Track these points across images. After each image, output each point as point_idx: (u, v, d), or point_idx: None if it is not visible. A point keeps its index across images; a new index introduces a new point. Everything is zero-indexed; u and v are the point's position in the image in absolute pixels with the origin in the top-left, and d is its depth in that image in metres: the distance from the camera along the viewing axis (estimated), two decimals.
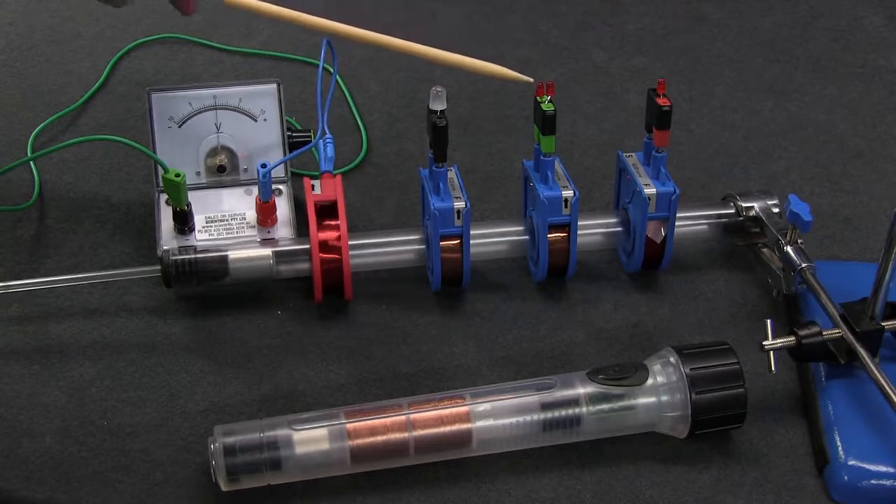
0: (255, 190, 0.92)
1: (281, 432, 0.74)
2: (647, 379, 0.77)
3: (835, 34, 1.21)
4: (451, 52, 0.86)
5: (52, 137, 1.06)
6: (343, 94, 1.11)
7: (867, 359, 0.77)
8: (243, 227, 0.91)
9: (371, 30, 0.86)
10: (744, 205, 0.92)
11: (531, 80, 0.85)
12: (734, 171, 1.03)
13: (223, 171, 0.93)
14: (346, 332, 0.87)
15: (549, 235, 0.88)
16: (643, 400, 0.77)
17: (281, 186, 0.93)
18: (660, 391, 0.77)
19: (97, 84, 1.12)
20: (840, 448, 0.76)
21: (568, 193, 0.87)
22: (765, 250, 0.90)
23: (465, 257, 0.88)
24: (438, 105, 0.83)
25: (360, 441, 0.75)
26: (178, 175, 0.87)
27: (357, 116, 1.08)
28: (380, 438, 0.75)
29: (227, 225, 0.91)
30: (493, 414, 0.76)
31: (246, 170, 0.94)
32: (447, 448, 0.76)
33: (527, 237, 0.91)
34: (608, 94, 1.12)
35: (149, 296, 0.90)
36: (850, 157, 1.05)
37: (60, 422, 0.80)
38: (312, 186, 0.88)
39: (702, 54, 1.18)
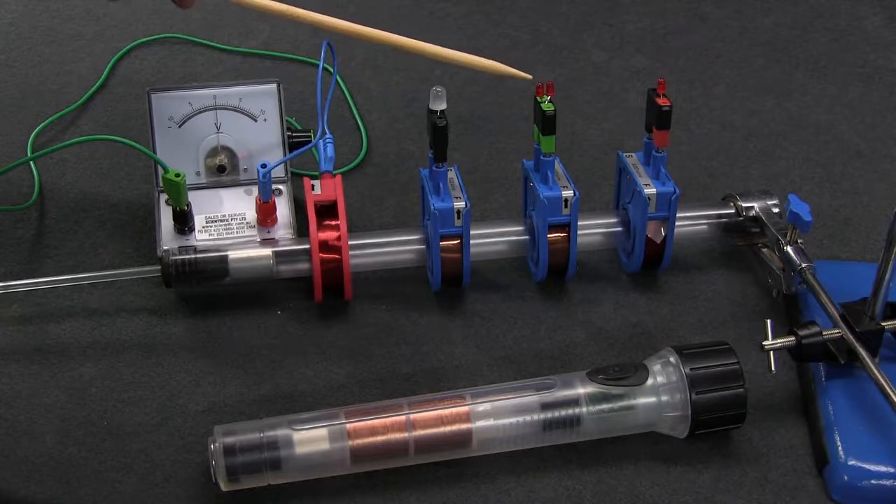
0: (255, 190, 0.92)
1: (281, 432, 0.74)
2: (647, 379, 0.77)
3: (835, 34, 1.21)
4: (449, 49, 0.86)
5: (52, 137, 1.06)
6: (343, 94, 1.11)
7: (867, 359, 0.77)
8: (243, 227, 0.91)
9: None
10: (744, 205, 0.92)
11: (529, 76, 0.85)
12: (734, 171, 1.03)
13: (223, 171, 0.93)
14: (346, 332, 0.87)
15: (549, 235, 0.88)
16: (643, 400, 0.77)
17: (281, 186, 0.93)
18: (660, 391, 0.77)
19: (97, 84, 1.12)
20: (840, 448, 0.76)
21: (568, 193, 0.87)
22: (765, 250, 0.90)
23: (465, 257, 0.88)
24: (438, 105, 0.83)
25: (360, 441, 0.75)
26: (178, 175, 0.87)
27: (357, 116, 1.08)
28: (380, 438, 0.75)
29: (227, 225, 0.91)
30: (493, 414, 0.76)
31: (246, 170, 0.94)
32: (447, 448, 0.76)
33: (527, 237, 0.91)
34: (608, 94, 1.12)
35: (149, 296, 0.90)
36: (850, 157, 1.05)
37: (60, 422, 0.80)
38: (312, 186, 0.88)
39: (702, 54, 1.18)
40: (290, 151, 0.93)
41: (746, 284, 0.91)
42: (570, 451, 0.78)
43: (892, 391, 0.75)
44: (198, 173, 0.93)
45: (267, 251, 0.88)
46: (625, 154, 0.91)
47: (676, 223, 0.89)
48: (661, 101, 0.86)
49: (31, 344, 0.86)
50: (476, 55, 0.86)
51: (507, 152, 1.04)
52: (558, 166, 0.89)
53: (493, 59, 0.86)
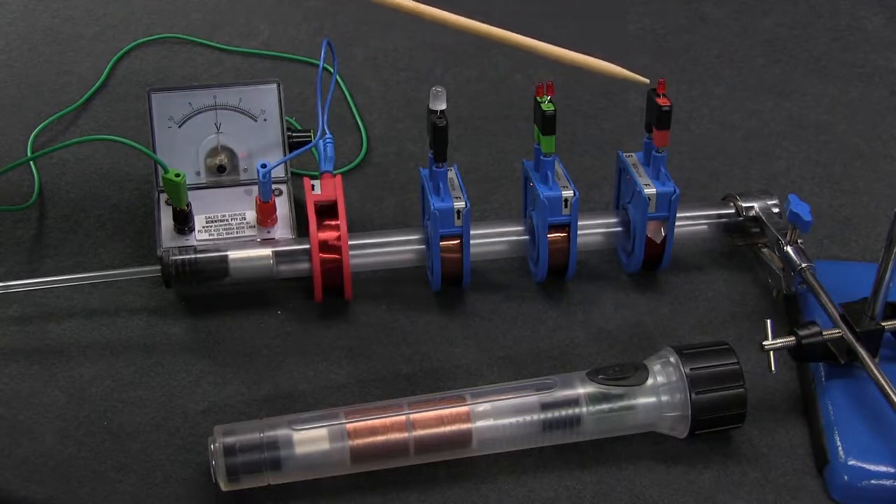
0: (255, 190, 0.92)
1: (281, 432, 0.74)
2: (647, 379, 0.77)
3: (835, 34, 1.21)
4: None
5: (52, 137, 1.06)
6: (343, 94, 1.11)
7: (867, 359, 0.77)
8: (243, 227, 0.91)
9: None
10: (744, 205, 0.92)
11: (647, 80, 0.84)
12: (734, 171, 1.03)
13: (223, 171, 0.93)
14: (346, 332, 0.87)
15: (549, 235, 0.88)
16: (643, 400, 0.77)
17: (281, 186, 0.93)
18: (660, 391, 0.77)
19: (97, 84, 1.12)
20: (840, 448, 0.76)
21: (568, 193, 0.87)
22: (765, 250, 0.90)
23: (465, 257, 0.88)
24: (438, 105, 0.83)
25: (360, 441, 0.75)
26: (178, 175, 0.87)
27: (357, 116, 1.08)
28: (380, 438, 0.75)
29: (227, 225, 0.91)
30: (493, 414, 0.76)
31: (246, 170, 0.94)
32: (447, 448, 0.76)
33: (527, 237, 0.91)
34: (608, 94, 1.12)
35: (149, 296, 0.90)
36: (850, 157, 1.05)
37: (60, 422, 0.80)
38: (312, 186, 0.88)
39: (702, 54, 1.18)
40: (290, 151, 0.93)
41: (746, 284, 0.91)
42: (570, 451, 0.78)
43: (892, 391, 0.75)
44: (198, 173, 0.93)
45: (267, 251, 0.88)
46: (625, 154, 0.91)
47: (676, 223, 0.89)
48: (661, 101, 0.86)
49: (31, 344, 0.86)
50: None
51: (507, 152, 1.04)
52: (558, 166, 0.89)
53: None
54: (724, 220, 0.92)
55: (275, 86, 0.93)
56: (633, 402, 0.77)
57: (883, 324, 0.80)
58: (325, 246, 0.87)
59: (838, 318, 0.80)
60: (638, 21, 1.23)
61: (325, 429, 0.75)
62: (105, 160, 1.03)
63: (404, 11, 0.83)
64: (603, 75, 0.84)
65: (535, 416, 0.76)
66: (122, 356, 0.85)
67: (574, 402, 0.76)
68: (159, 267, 0.87)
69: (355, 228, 0.91)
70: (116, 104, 1.10)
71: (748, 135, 1.08)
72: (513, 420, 0.76)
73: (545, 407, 0.76)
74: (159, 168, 0.89)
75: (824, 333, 0.79)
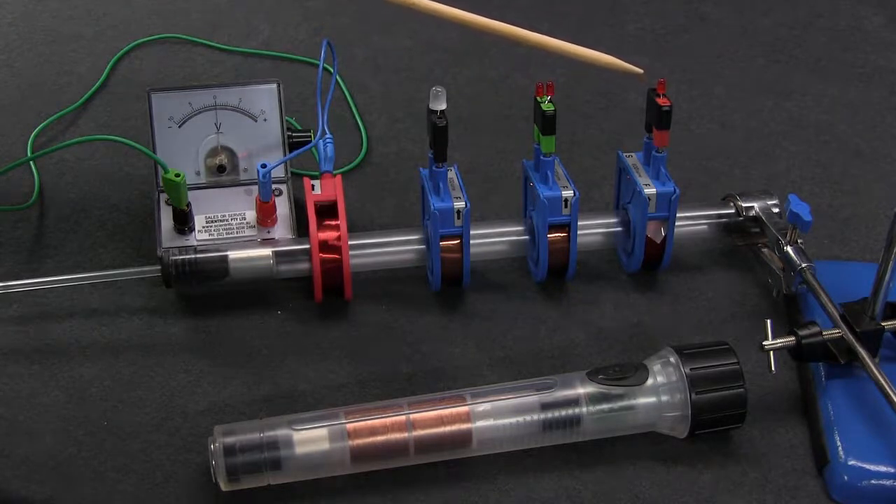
0: (255, 190, 0.92)
1: (281, 432, 0.74)
2: (647, 379, 0.77)
3: (835, 34, 1.21)
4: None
5: (52, 137, 1.06)
6: (343, 94, 1.11)
7: (867, 359, 0.77)
8: (243, 227, 0.91)
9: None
10: (744, 205, 0.92)
11: (641, 71, 0.83)
12: (734, 171, 1.03)
13: (223, 171, 0.93)
14: (346, 332, 0.87)
15: (549, 235, 0.88)
16: (643, 400, 0.77)
17: (281, 186, 0.93)
18: (660, 391, 0.77)
19: (97, 84, 1.12)
20: (840, 448, 0.76)
21: (568, 193, 0.87)
22: (765, 250, 0.90)
23: (465, 257, 0.88)
24: (438, 105, 0.83)
25: (360, 441, 0.75)
26: (178, 175, 0.87)
27: (357, 116, 1.08)
28: (380, 438, 0.75)
29: (227, 225, 0.91)
30: (493, 414, 0.76)
31: (246, 170, 0.94)
32: (447, 448, 0.76)
33: (527, 237, 0.91)
34: (608, 94, 1.12)
35: (149, 296, 0.90)
36: (850, 157, 1.05)
37: (60, 422, 0.80)
38: (312, 186, 0.88)
39: (702, 54, 1.18)
40: (290, 151, 0.93)
41: (746, 284, 0.91)
42: (570, 451, 0.78)
43: (892, 391, 0.75)
44: (198, 173, 0.93)
45: (267, 251, 0.88)
46: (625, 154, 0.91)
47: (676, 223, 0.89)
48: (661, 101, 0.86)
49: (31, 344, 0.86)
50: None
51: (507, 152, 1.04)
52: (558, 166, 0.89)
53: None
54: (724, 220, 0.92)
55: (275, 86, 0.93)
56: (633, 402, 0.77)
57: (883, 324, 0.80)
58: (325, 246, 0.87)
59: (838, 318, 0.80)
60: (638, 21, 1.23)
61: (325, 429, 0.75)
62: (105, 160, 1.03)
63: (398, 4, 0.83)
64: (597, 68, 0.83)
65: (535, 416, 0.76)
66: (122, 356, 0.85)
67: (574, 402, 0.76)
68: (159, 267, 0.87)
69: (355, 228, 0.91)
70: (116, 104, 1.10)
71: (748, 135, 1.08)
72: (513, 420, 0.76)
73: (545, 407, 0.76)
74: (159, 168, 0.89)
75: (824, 333, 0.79)
